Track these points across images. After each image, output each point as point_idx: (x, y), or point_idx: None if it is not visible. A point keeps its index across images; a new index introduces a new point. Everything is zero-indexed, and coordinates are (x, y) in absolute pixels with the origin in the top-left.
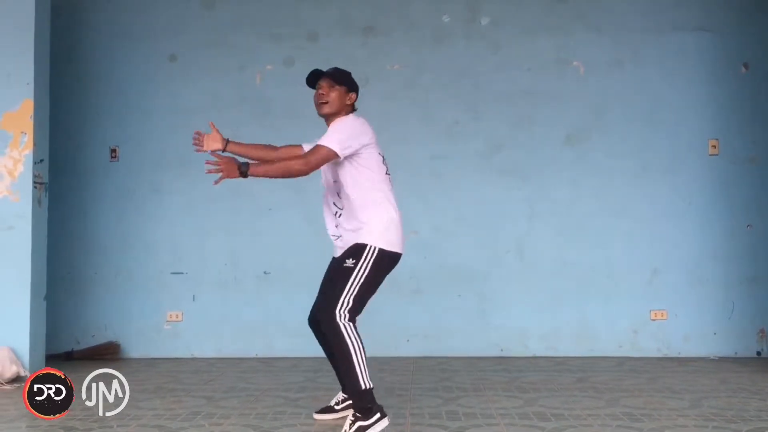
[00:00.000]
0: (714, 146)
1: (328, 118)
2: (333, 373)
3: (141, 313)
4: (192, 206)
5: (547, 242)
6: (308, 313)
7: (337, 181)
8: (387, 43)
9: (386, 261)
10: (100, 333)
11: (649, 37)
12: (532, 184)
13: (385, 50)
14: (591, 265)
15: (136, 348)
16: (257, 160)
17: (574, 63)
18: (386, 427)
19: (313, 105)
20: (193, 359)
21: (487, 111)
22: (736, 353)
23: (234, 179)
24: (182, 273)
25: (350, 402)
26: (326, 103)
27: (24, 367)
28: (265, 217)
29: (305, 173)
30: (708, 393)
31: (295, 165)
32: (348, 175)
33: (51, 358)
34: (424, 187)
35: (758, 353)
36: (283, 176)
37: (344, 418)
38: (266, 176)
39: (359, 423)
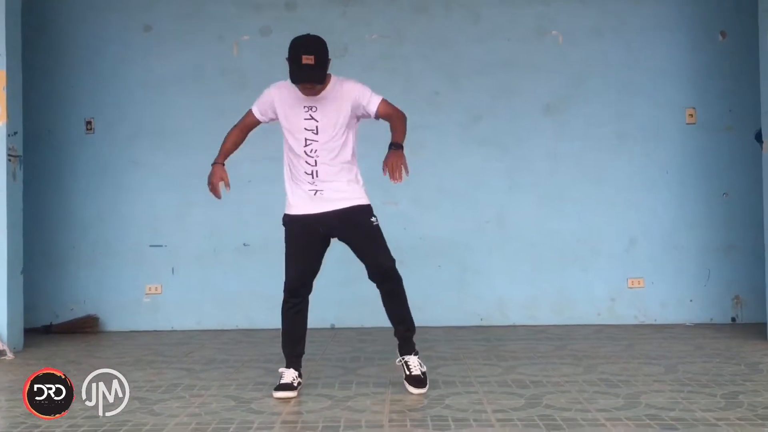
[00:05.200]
0: (691, 115)
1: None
2: (313, 343)
3: (120, 286)
4: (170, 178)
5: (526, 212)
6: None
7: (334, 138)
8: (366, 13)
9: None
10: (78, 307)
11: (628, 5)
12: (512, 154)
13: (364, 20)
14: (570, 234)
15: (115, 321)
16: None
17: (554, 32)
18: None
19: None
20: (173, 332)
21: (467, 81)
22: (711, 319)
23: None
24: (161, 246)
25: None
26: (317, 90)
27: (2, 341)
28: (245, 189)
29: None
30: (684, 359)
31: (404, 116)
32: (350, 137)
33: (29, 333)
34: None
35: (733, 319)
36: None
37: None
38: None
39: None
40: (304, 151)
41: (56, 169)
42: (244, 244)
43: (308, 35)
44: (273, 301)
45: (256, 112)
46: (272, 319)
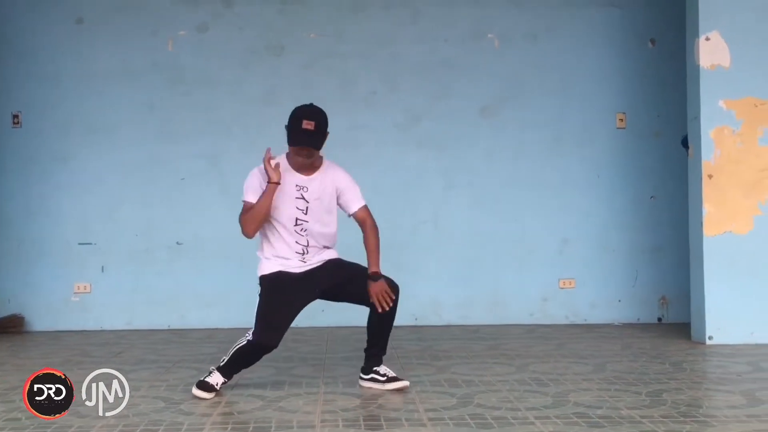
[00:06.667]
0: (621, 120)
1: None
2: None
3: (47, 285)
4: (101, 175)
5: (462, 213)
6: (220, 284)
7: (323, 217)
8: (305, 11)
9: None
10: (2, 306)
11: (563, 11)
12: (448, 154)
13: (302, 18)
14: (504, 235)
15: (41, 321)
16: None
17: (490, 35)
18: None
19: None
20: (103, 332)
21: (404, 82)
22: (638, 319)
23: None
24: (90, 244)
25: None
26: (311, 160)
27: None
28: (178, 187)
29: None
30: (611, 358)
31: (378, 229)
32: (335, 215)
33: None
34: (341, 157)
35: (659, 319)
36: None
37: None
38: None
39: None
40: (295, 230)
41: None
42: (177, 243)
43: (312, 105)
44: (206, 300)
45: (253, 200)
46: (205, 318)
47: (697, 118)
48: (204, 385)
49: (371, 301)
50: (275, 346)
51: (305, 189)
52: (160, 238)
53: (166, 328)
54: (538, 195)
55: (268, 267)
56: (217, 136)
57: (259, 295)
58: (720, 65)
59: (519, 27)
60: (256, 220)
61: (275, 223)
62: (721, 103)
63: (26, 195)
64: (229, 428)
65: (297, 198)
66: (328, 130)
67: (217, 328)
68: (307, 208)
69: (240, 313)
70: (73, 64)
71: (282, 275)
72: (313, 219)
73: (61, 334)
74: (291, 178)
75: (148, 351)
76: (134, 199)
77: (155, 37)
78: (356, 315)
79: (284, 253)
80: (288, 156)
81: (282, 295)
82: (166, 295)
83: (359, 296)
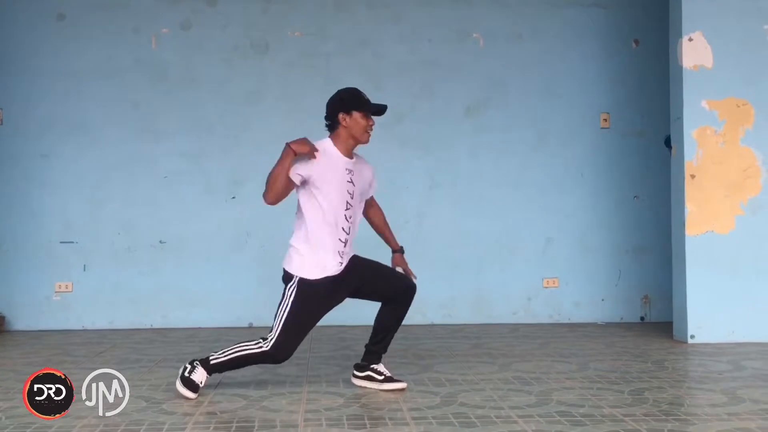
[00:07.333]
0: (605, 120)
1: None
2: (230, 342)
3: (28, 283)
4: (83, 173)
5: (446, 212)
6: (203, 284)
7: (362, 204)
8: (288, 10)
9: None
10: None
11: (547, 11)
12: (432, 154)
13: (286, 16)
14: (488, 235)
15: (22, 320)
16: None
17: (474, 35)
18: None
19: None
20: (84, 331)
21: (388, 81)
22: (621, 318)
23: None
24: (72, 242)
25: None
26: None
27: None
28: (161, 186)
29: None
30: (594, 356)
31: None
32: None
33: None
34: None
35: (642, 318)
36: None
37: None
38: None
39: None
40: (345, 216)
41: None
42: (160, 242)
43: None
44: (188, 299)
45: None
46: (187, 318)
47: (679, 118)
48: (189, 384)
49: (405, 273)
50: (288, 358)
51: (352, 173)
52: (143, 237)
53: (148, 327)
54: (522, 194)
55: (311, 270)
56: (201, 134)
57: (291, 300)
58: (703, 66)
59: (503, 27)
60: (272, 185)
61: (325, 206)
62: (703, 104)
63: (7, 193)
64: (211, 428)
65: (348, 181)
66: None
67: (199, 328)
68: (354, 192)
69: (223, 312)
70: (55, 60)
71: (325, 282)
72: (357, 204)
73: (42, 334)
74: (341, 161)
75: (131, 350)
76: (117, 198)
77: (138, 35)
78: (343, 314)
79: (327, 247)
80: (333, 140)
81: (317, 307)
82: (149, 294)
83: (380, 294)
